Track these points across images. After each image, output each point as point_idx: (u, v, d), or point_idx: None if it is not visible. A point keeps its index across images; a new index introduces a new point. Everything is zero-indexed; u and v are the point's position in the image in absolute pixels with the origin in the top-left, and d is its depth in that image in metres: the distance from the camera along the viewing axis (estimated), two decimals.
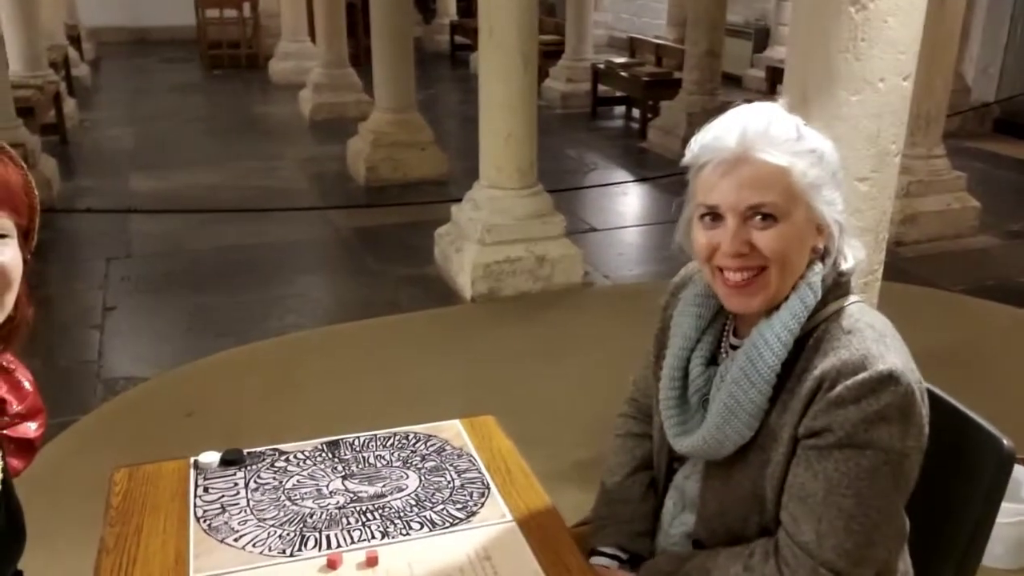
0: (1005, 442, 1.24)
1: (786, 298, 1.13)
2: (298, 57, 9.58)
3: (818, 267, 1.14)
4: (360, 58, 8.67)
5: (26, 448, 1.18)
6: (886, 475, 1.08)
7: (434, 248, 4.43)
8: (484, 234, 3.96)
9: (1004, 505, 2.31)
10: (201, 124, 8.05)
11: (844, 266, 1.15)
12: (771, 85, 7.84)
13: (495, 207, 4.01)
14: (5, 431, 1.14)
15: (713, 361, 1.23)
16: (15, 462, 1.15)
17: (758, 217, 1.10)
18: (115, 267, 4.43)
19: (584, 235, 4.94)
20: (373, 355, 3.50)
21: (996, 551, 2.27)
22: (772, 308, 1.14)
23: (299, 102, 8.34)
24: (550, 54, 9.18)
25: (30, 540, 1.29)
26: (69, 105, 7.53)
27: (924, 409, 1.11)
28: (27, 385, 1.17)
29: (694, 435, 1.18)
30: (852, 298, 1.16)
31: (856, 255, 1.16)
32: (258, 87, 9.85)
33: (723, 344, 1.24)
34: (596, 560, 1.30)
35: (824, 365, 1.09)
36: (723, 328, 1.24)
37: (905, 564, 1.24)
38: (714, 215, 1.12)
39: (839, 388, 1.07)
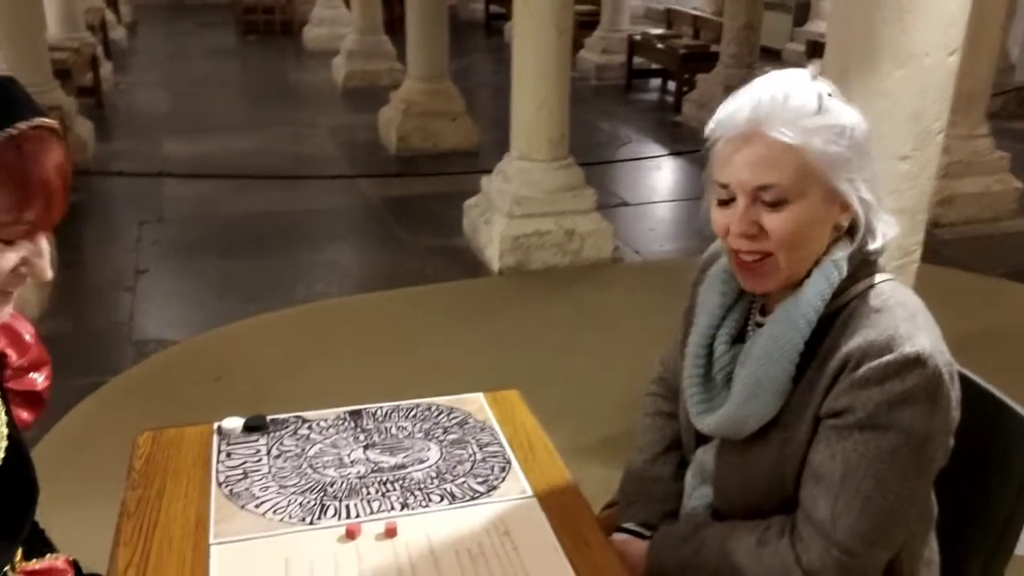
0: None
1: (808, 275, 1.10)
2: (332, 24, 9.56)
3: (844, 244, 1.11)
4: (394, 25, 8.61)
5: (34, 400, 1.18)
6: (907, 457, 1.05)
7: (463, 219, 4.41)
8: (513, 206, 3.94)
9: None
10: (235, 89, 8.08)
11: (872, 245, 1.11)
12: (811, 60, 7.68)
13: (525, 179, 3.97)
14: (9, 384, 1.14)
15: (739, 339, 1.20)
16: (24, 414, 1.15)
17: (767, 198, 1.06)
18: (147, 230, 4.47)
19: (615, 209, 4.90)
20: (399, 325, 3.51)
21: None
22: (796, 285, 1.11)
23: (332, 69, 8.33)
24: (585, 25, 9.06)
25: (58, 496, 1.31)
26: (105, 68, 7.58)
27: (954, 392, 1.08)
28: (27, 338, 1.17)
29: (717, 414, 1.16)
30: (882, 276, 1.13)
31: (887, 232, 1.12)
32: (291, 53, 9.85)
33: (750, 322, 1.21)
34: (617, 536, 1.30)
35: (850, 344, 1.06)
36: (750, 306, 1.22)
37: (930, 550, 1.21)
38: (726, 192, 1.09)
39: (864, 369, 1.04)
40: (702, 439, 1.30)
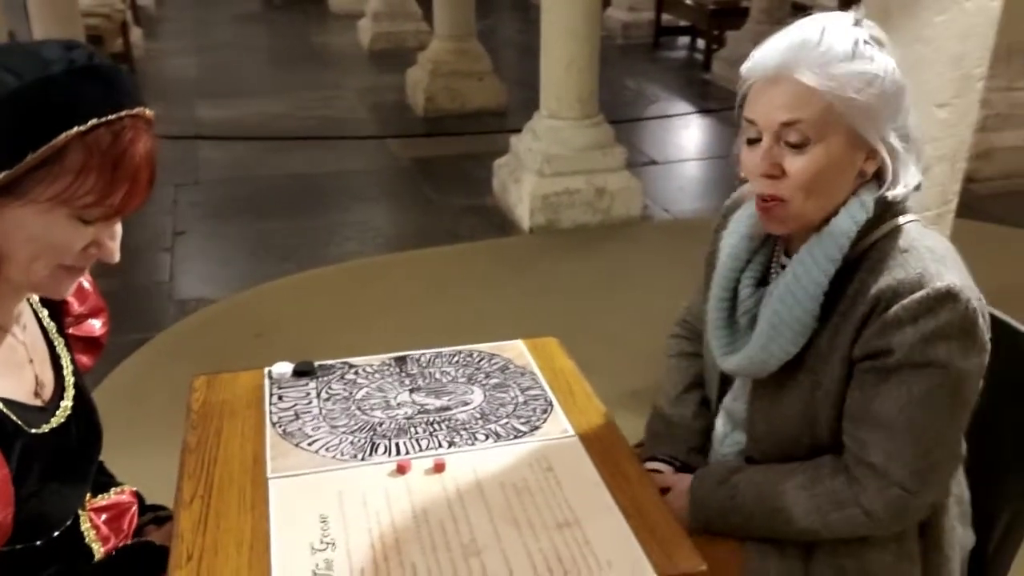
0: None
1: (836, 213, 1.12)
2: None
3: (869, 193, 1.12)
4: None
5: (93, 345, 1.24)
6: (947, 393, 1.08)
7: (492, 179, 4.43)
8: (543, 165, 3.95)
9: None
10: (262, 54, 8.10)
11: (893, 192, 1.12)
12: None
13: (554, 138, 3.98)
14: (70, 331, 1.19)
15: (763, 282, 1.22)
16: (84, 359, 1.21)
17: (791, 138, 1.08)
18: (183, 193, 4.54)
19: (644, 168, 4.89)
20: (433, 282, 3.55)
21: None
22: (822, 225, 1.13)
23: (358, 31, 8.32)
24: None
25: (115, 444, 1.37)
26: (135, 34, 7.64)
27: (986, 330, 1.09)
28: (87, 285, 1.22)
29: (740, 354, 1.19)
30: (908, 217, 1.14)
31: (910, 182, 1.13)
32: (317, 17, 9.83)
33: (773, 265, 1.23)
34: (650, 464, 1.34)
35: (879, 285, 1.08)
36: (774, 248, 1.24)
37: (960, 488, 1.24)
38: (755, 132, 1.12)
39: (895, 308, 1.06)
40: (726, 384, 1.33)
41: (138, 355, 2.95)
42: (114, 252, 1.00)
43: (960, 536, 1.24)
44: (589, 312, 3.27)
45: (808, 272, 1.11)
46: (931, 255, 1.09)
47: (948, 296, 1.05)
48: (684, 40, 8.36)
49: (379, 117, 6.01)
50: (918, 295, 1.05)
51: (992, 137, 4.57)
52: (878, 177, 1.13)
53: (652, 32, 8.29)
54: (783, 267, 1.21)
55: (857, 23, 1.10)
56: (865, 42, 1.08)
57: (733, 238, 1.25)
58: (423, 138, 5.49)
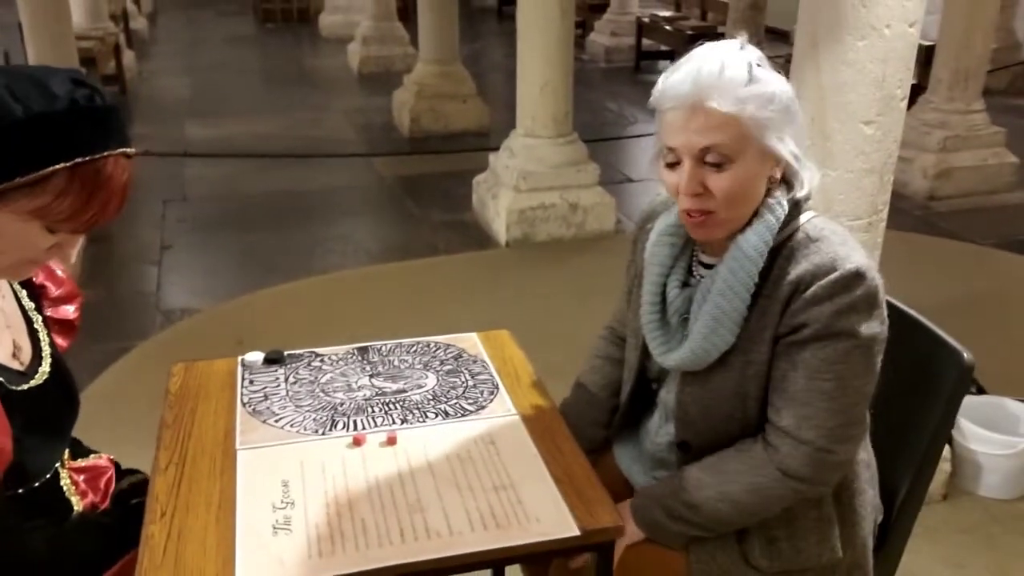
0: (966, 355, 1.37)
1: (756, 215, 1.26)
2: (347, 11, 9.72)
3: (780, 191, 1.27)
4: (408, 12, 8.77)
5: (68, 328, 1.37)
6: (858, 359, 1.21)
7: (472, 195, 4.59)
8: (519, 181, 4.10)
9: (1001, 438, 2.45)
10: (254, 75, 8.28)
11: (800, 192, 1.27)
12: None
13: (530, 155, 4.14)
14: (48, 312, 1.33)
15: (686, 284, 1.36)
16: (60, 340, 1.33)
17: (711, 159, 1.21)
18: (171, 208, 4.68)
19: (620, 185, 5.05)
20: (412, 294, 3.69)
21: (992, 482, 2.39)
22: (744, 228, 1.27)
23: (347, 55, 8.50)
24: (595, 8, 9.17)
25: (98, 444, 1.47)
26: (128, 56, 7.80)
27: (884, 303, 1.24)
28: (59, 272, 1.35)
29: (681, 349, 1.31)
30: (811, 213, 1.29)
31: (812, 179, 1.28)
32: (308, 40, 10.03)
33: (695, 266, 1.37)
34: None
35: (798, 270, 1.23)
36: (692, 253, 1.37)
37: (868, 453, 1.38)
38: (674, 156, 1.24)
39: (814, 288, 1.20)
40: (653, 380, 1.46)
41: (123, 361, 3.08)
42: (70, 257, 1.12)
43: (871, 498, 1.38)
44: (560, 319, 3.40)
45: (742, 267, 1.25)
46: (837, 239, 1.25)
47: (857, 275, 1.20)
48: (664, 64, 8.57)
49: (366, 137, 6.17)
50: (832, 276, 1.20)
51: (951, 157, 4.76)
52: (784, 180, 1.28)
53: (633, 56, 8.51)
54: (705, 267, 1.35)
55: (742, 47, 1.24)
56: (757, 64, 1.22)
57: (656, 246, 1.37)
58: (407, 156, 5.65)
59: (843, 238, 1.26)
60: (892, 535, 1.43)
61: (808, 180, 1.28)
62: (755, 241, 1.25)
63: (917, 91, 5.14)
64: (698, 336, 1.29)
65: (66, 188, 1.02)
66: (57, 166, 1.01)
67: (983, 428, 2.40)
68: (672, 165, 1.26)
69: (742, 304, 1.26)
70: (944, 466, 2.37)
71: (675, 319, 1.34)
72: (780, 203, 1.26)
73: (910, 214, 4.62)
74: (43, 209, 1.03)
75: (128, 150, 1.09)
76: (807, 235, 1.26)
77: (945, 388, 1.38)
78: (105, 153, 1.05)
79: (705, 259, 1.35)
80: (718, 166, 1.21)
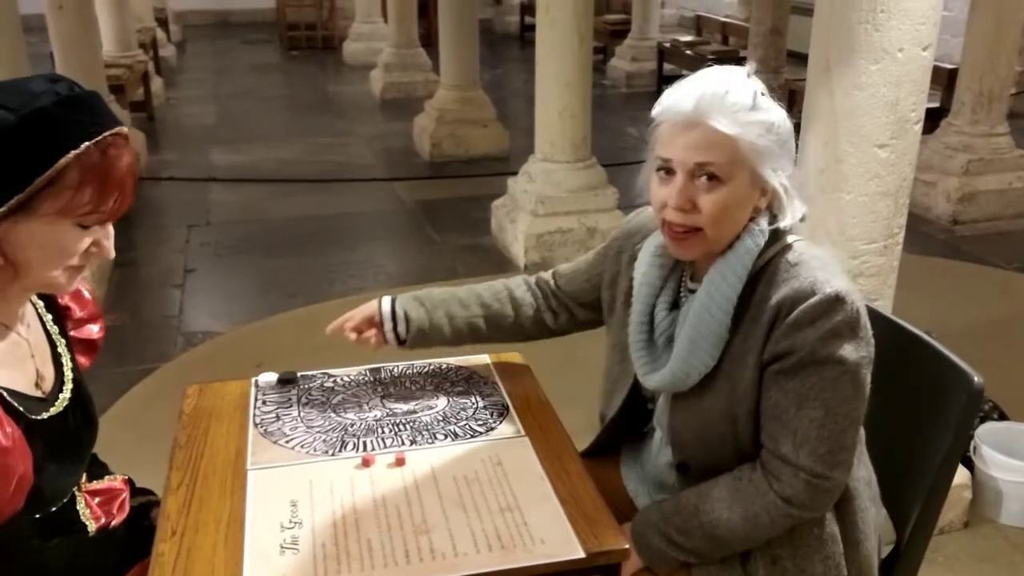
0: (976, 378, 1.35)
1: (738, 239, 1.26)
2: (370, 38, 9.87)
3: (764, 219, 1.27)
4: (431, 38, 8.88)
5: (91, 348, 1.40)
6: (846, 384, 1.21)
7: (491, 219, 4.62)
8: (537, 205, 4.13)
9: (1022, 465, 2.40)
10: (278, 102, 8.41)
11: (782, 223, 1.27)
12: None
13: (548, 180, 4.16)
14: (72, 333, 1.36)
15: (675, 305, 1.37)
16: (82, 359, 1.36)
17: (704, 176, 1.22)
18: (195, 233, 4.75)
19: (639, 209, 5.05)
20: None
21: (1014, 509, 2.35)
22: (724, 251, 1.27)
23: (370, 81, 8.62)
24: (616, 33, 9.24)
25: (119, 464, 1.50)
26: (156, 83, 7.96)
27: (868, 324, 1.24)
28: (86, 294, 1.39)
29: (662, 371, 1.32)
30: (793, 237, 1.29)
31: (795, 215, 1.28)
32: (332, 67, 10.19)
33: (683, 289, 1.38)
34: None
35: (778, 295, 1.23)
36: (681, 276, 1.38)
37: (867, 470, 1.37)
38: (667, 169, 1.24)
39: (795, 313, 1.21)
40: (649, 399, 1.46)
41: (143, 384, 3.12)
42: (110, 250, 1.17)
43: (874, 515, 1.37)
44: (576, 343, 3.38)
45: (719, 290, 1.26)
46: (817, 263, 1.25)
47: (837, 300, 1.20)
48: None
49: (387, 162, 6.24)
50: (812, 300, 1.20)
51: (974, 181, 4.72)
52: (769, 210, 1.29)
53: (655, 81, 8.55)
54: (691, 291, 1.35)
55: (749, 76, 1.25)
56: (761, 93, 1.23)
57: (644, 267, 1.38)
58: (428, 181, 5.71)
59: (823, 263, 1.26)
60: (904, 561, 1.42)
61: (792, 215, 1.28)
62: (733, 265, 1.26)
63: (940, 114, 5.13)
64: (677, 357, 1.30)
65: (81, 179, 1.06)
66: (68, 155, 1.05)
67: (1005, 455, 2.36)
68: (664, 179, 1.25)
69: (719, 327, 1.26)
70: (964, 493, 2.34)
71: (661, 340, 1.35)
72: (762, 230, 1.26)
73: (933, 238, 4.58)
74: (68, 206, 1.07)
75: (123, 129, 1.14)
76: (787, 260, 1.26)
77: (955, 412, 1.37)
78: (105, 134, 1.09)
79: (692, 284, 1.36)
80: (710, 185, 1.22)
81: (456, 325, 1.58)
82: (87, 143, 1.07)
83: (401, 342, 1.57)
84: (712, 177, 1.22)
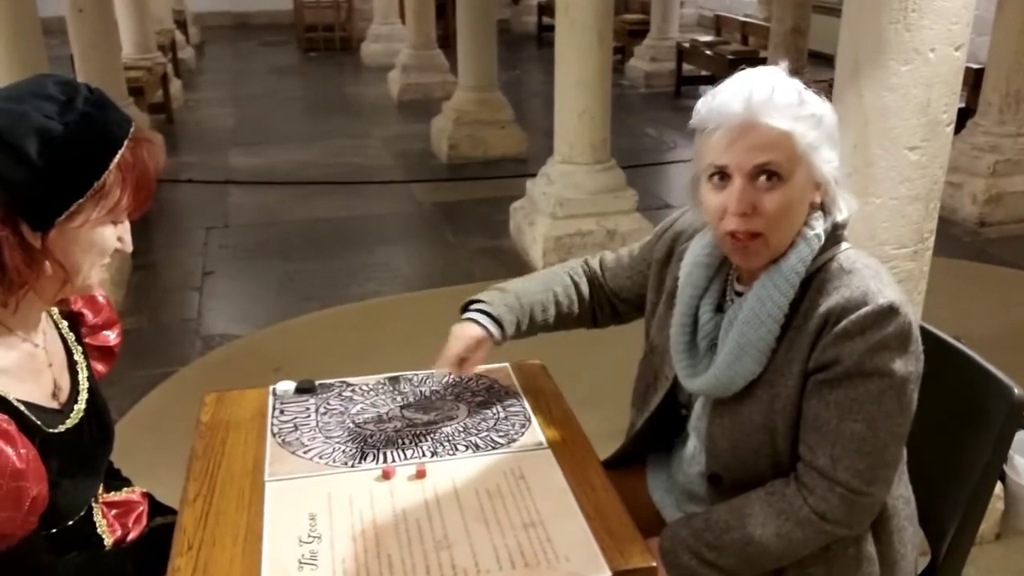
0: (1016, 391, 1.31)
1: (792, 246, 1.23)
2: (388, 39, 9.87)
3: (819, 218, 1.24)
4: (449, 39, 8.86)
5: (107, 354, 1.38)
6: (891, 399, 1.17)
7: (509, 222, 4.58)
8: (556, 208, 4.09)
9: None
10: (296, 104, 8.42)
11: (839, 217, 1.24)
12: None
13: (567, 182, 4.12)
14: (88, 340, 1.33)
15: (719, 308, 1.33)
16: (98, 367, 1.34)
17: (763, 177, 1.18)
18: (214, 236, 4.75)
19: (659, 211, 5.00)
20: (447, 321, 3.65)
21: None
22: (777, 257, 1.24)
23: (388, 83, 8.61)
24: (635, 33, 9.18)
25: (137, 469, 1.49)
26: (175, 86, 7.99)
27: (920, 339, 1.20)
28: (100, 299, 1.37)
29: (706, 375, 1.28)
30: (845, 244, 1.26)
31: (850, 207, 1.25)
32: (350, 69, 10.19)
33: (728, 292, 1.34)
34: (466, 315, 1.56)
35: (829, 303, 1.19)
36: (727, 278, 1.35)
37: (907, 489, 1.33)
38: (723, 175, 1.21)
39: (844, 322, 1.17)
40: (683, 405, 1.42)
41: (162, 387, 3.11)
42: (130, 243, 1.17)
43: (911, 535, 1.33)
44: (595, 346, 3.33)
45: (771, 296, 1.22)
46: (870, 272, 1.21)
47: (891, 311, 1.16)
48: (705, 89, 8.48)
49: (405, 164, 6.22)
50: (864, 310, 1.16)
51: (1002, 182, 4.64)
52: (822, 207, 1.25)
53: (674, 81, 8.49)
54: (737, 294, 1.32)
55: (788, 74, 1.22)
56: (804, 89, 1.21)
57: (689, 267, 1.35)
58: (445, 183, 5.68)
59: (876, 272, 1.22)
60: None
61: (847, 206, 1.25)
62: (787, 272, 1.22)
63: (966, 114, 5.04)
64: (723, 363, 1.26)
65: (123, 178, 1.07)
66: (115, 159, 1.05)
67: None
68: (718, 185, 1.22)
69: (769, 335, 1.23)
70: (997, 504, 2.28)
71: (704, 344, 1.32)
72: (817, 233, 1.23)
73: (959, 241, 4.50)
74: (115, 208, 1.08)
75: (136, 121, 1.14)
76: (840, 266, 1.23)
77: (994, 424, 1.32)
78: (132, 130, 1.10)
79: (739, 287, 1.32)
80: (770, 185, 1.18)
81: (534, 328, 1.63)
82: (126, 142, 1.07)
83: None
84: (772, 176, 1.18)
